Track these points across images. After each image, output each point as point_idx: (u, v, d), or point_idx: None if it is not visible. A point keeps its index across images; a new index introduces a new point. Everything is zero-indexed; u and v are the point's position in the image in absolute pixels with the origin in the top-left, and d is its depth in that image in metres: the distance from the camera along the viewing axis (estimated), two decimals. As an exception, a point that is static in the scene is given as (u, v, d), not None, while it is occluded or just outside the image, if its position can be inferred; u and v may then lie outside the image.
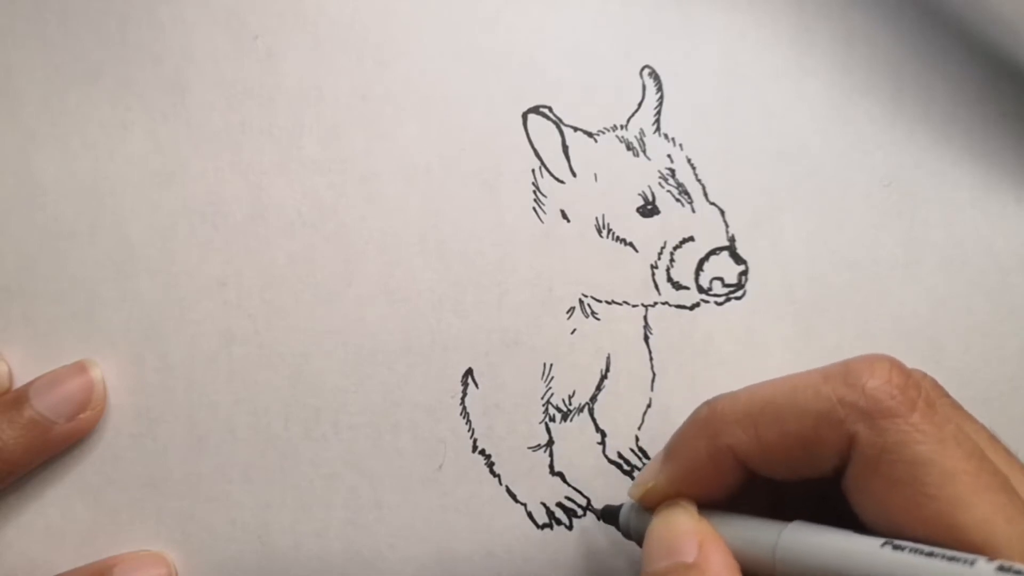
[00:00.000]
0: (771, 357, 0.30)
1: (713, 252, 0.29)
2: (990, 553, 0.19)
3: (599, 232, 0.29)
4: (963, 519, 0.19)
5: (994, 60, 0.30)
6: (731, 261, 0.29)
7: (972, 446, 0.20)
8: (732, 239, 0.29)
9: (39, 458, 0.28)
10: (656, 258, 0.29)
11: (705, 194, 0.29)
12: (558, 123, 0.29)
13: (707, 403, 0.24)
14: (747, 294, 0.30)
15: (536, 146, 0.29)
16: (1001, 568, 0.18)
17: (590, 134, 0.29)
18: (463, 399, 0.29)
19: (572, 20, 0.29)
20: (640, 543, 0.24)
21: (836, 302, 0.30)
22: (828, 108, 0.30)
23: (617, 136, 0.29)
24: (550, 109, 0.29)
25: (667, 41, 0.29)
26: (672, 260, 0.29)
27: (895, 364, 0.21)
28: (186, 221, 0.29)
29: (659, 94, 0.29)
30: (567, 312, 0.29)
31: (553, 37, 0.29)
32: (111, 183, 0.29)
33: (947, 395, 0.24)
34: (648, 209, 0.29)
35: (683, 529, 0.23)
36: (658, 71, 0.29)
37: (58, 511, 0.29)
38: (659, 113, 0.29)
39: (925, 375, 0.24)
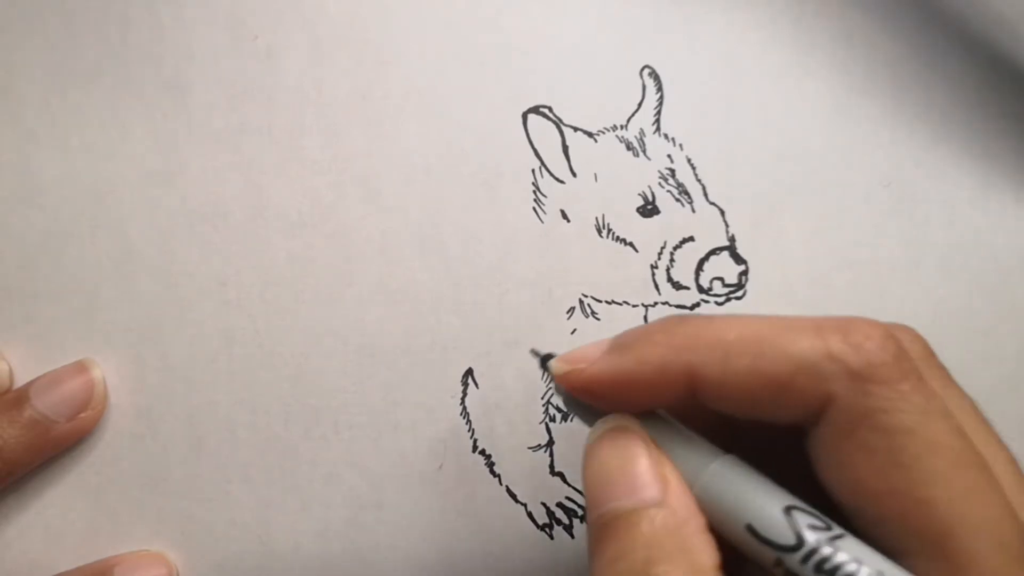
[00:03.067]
0: (771, 357, 0.29)
1: (713, 252, 0.29)
2: (957, 534, 0.18)
3: (599, 232, 0.29)
4: (936, 493, 0.19)
5: (994, 60, 0.30)
6: (731, 261, 0.29)
7: (956, 424, 0.20)
8: (732, 239, 0.29)
9: (39, 458, 0.28)
10: (656, 258, 0.29)
11: (705, 194, 0.29)
12: (558, 123, 0.29)
13: (678, 315, 0.22)
14: (747, 294, 0.30)
15: (536, 146, 0.29)
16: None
17: (590, 134, 0.29)
18: (463, 399, 0.29)
19: (572, 20, 0.29)
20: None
21: (836, 302, 0.30)
22: (828, 108, 0.30)
23: (617, 136, 0.29)
24: (550, 109, 0.29)
25: (667, 41, 0.29)
26: (672, 260, 0.29)
27: (891, 332, 0.20)
28: (186, 221, 0.29)
29: (659, 94, 0.29)
30: (567, 312, 0.29)
31: (553, 37, 0.29)
32: (111, 183, 0.29)
33: (939, 365, 0.23)
34: (648, 209, 0.29)
35: (642, 462, 0.21)
36: (658, 71, 0.29)
37: (58, 511, 0.29)
38: (659, 113, 0.29)
39: (915, 338, 0.23)
